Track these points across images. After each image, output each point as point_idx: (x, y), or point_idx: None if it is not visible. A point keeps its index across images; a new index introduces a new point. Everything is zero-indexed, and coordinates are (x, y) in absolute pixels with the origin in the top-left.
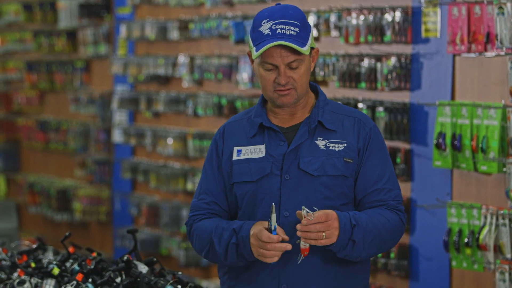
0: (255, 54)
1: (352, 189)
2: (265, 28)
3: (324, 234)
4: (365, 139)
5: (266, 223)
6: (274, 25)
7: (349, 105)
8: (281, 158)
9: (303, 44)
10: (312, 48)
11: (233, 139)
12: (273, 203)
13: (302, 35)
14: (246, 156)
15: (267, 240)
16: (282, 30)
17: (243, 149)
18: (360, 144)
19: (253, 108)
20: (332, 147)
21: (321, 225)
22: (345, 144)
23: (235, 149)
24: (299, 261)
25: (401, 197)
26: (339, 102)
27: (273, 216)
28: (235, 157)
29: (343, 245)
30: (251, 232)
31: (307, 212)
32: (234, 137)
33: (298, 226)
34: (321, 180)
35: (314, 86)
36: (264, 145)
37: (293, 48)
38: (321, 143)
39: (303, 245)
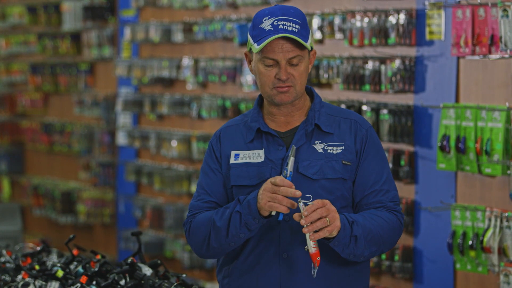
0: (256, 48)
1: (350, 192)
2: (266, 24)
3: (327, 219)
4: (362, 141)
5: None
6: (276, 21)
7: (353, 108)
8: (280, 163)
9: (305, 41)
10: (311, 49)
11: (230, 143)
12: (294, 145)
13: (303, 33)
14: (244, 160)
15: (281, 183)
16: (284, 26)
17: (241, 153)
18: (357, 146)
19: (249, 112)
20: (330, 150)
21: (321, 210)
22: (343, 147)
23: (233, 153)
24: (315, 273)
25: (398, 198)
26: (334, 104)
27: (292, 160)
28: (232, 161)
29: (346, 242)
30: (263, 185)
31: (304, 203)
32: (231, 141)
33: (303, 221)
34: (320, 184)
35: (309, 88)
36: (263, 150)
37: (295, 42)
38: (319, 146)
39: (313, 246)
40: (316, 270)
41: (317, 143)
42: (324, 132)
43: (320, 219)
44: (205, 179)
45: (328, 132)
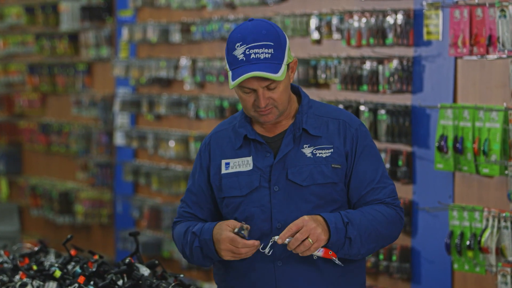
0: (231, 83)
1: (342, 194)
2: (239, 52)
3: (309, 239)
4: (352, 141)
5: (229, 223)
6: (248, 49)
7: (350, 108)
8: (268, 170)
9: (279, 66)
10: (288, 64)
11: (219, 152)
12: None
13: (277, 55)
14: (234, 170)
15: (243, 246)
16: (256, 55)
17: (231, 161)
18: (347, 147)
19: (238, 114)
20: (319, 154)
21: (298, 235)
22: (332, 150)
23: (223, 162)
24: (338, 262)
25: (395, 192)
26: (323, 102)
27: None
28: (223, 171)
29: (339, 244)
30: (220, 237)
31: (275, 239)
32: (220, 149)
33: (288, 249)
34: (310, 190)
35: (296, 87)
36: (251, 157)
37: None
38: (307, 150)
39: (318, 252)
40: (336, 260)
41: (306, 147)
42: (312, 135)
43: (302, 242)
44: (189, 190)
45: (316, 135)
